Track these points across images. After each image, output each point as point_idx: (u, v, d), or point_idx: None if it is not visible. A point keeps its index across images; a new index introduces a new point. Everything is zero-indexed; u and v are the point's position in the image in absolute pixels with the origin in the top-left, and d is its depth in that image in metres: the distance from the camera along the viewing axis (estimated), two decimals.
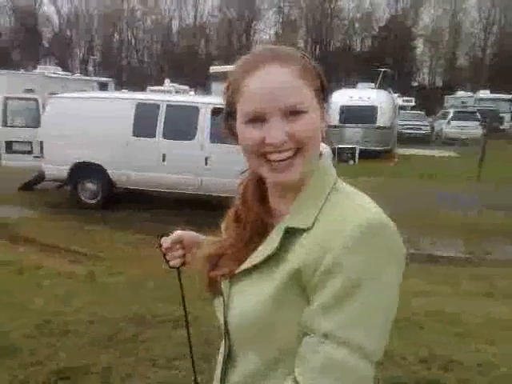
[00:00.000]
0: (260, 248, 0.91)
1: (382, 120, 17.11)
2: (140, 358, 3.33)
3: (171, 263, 1.18)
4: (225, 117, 0.93)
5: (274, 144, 0.83)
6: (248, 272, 0.91)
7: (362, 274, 0.78)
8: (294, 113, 0.83)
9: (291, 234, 0.87)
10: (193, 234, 1.20)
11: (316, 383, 0.77)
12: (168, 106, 8.05)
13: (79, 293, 4.50)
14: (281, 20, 55.22)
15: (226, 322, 0.94)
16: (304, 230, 0.85)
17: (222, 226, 1.04)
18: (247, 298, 0.89)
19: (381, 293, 0.79)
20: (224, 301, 0.94)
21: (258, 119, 0.84)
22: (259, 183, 0.97)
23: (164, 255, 1.18)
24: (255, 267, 0.89)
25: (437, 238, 7.03)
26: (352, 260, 0.78)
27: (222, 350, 0.99)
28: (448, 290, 4.92)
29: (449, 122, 24.06)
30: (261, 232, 0.93)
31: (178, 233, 1.18)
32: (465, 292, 4.84)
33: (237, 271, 0.92)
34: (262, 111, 0.84)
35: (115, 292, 4.53)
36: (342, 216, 0.83)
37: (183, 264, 1.18)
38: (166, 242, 1.17)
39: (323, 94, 0.90)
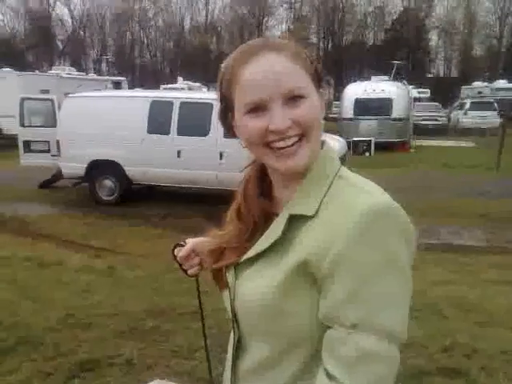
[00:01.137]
0: (265, 235, 0.90)
1: (397, 112, 16.95)
2: (161, 350, 3.36)
3: (189, 272, 1.16)
4: (221, 112, 0.92)
5: (278, 131, 0.82)
6: (253, 260, 0.90)
7: (373, 259, 0.76)
8: (294, 97, 0.82)
9: (295, 221, 0.86)
10: (205, 240, 1.15)
11: (354, 375, 0.76)
12: (182, 103, 8.09)
13: (100, 287, 4.55)
14: (292, 16, 55.01)
15: (233, 312, 0.93)
16: (308, 218, 0.84)
17: (226, 220, 1.03)
18: (254, 286, 0.88)
19: (396, 276, 0.78)
20: (230, 291, 0.93)
21: (258, 108, 0.83)
22: (262, 176, 0.96)
23: (180, 265, 1.17)
24: (260, 255, 0.88)
25: (456, 227, 6.94)
26: (362, 247, 0.77)
27: (231, 339, 0.98)
28: (469, 278, 4.86)
29: (466, 113, 23.76)
30: (265, 224, 0.92)
31: (191, 242, 1.16)
32: (486, 280, 4.77)
33: (241, 259, 0.92)
34: (262, 99, 0.82)
35: (135, 285, 4.57)
36: (347, 202, 0.81)
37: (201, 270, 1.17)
38: (180, 252, 1.16)
39: (319, 80, 0.88)
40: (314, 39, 52.29)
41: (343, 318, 0.77)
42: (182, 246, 1.16)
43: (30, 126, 9.49)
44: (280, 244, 0.86)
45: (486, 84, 31.19)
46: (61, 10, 55.69)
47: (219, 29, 55.38)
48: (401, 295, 0.78)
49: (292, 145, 0.83)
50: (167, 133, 8.02)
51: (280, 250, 0.86)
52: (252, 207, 0.95)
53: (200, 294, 1.19)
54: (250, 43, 0.88)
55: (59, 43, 55.48)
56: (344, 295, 0.77)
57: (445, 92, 36.83)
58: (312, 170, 0.87)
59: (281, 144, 0.83)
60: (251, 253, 0.90)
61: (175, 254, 1.17)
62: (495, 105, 23.44)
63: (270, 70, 0.82)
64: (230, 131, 0.92)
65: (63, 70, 21.16)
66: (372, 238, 0.77)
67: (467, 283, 4.68)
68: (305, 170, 0.87)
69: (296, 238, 0.85)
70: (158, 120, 8.09)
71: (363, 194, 0.82)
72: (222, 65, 0.89)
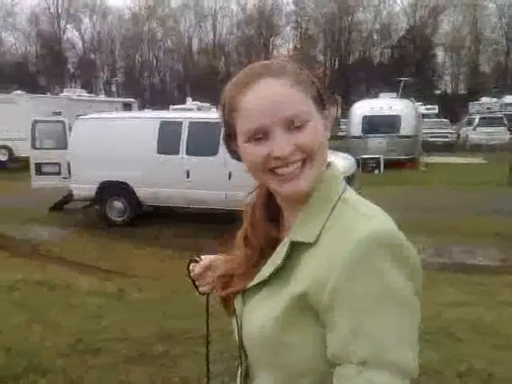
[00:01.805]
0: (269, 262, 0.88)
1: (405, 129, 16.93)
2: (171, 375, 3.31)
3: (201, 289, 1.14)
4: (225, 138, 0.91)
5: (281, 156, 0.81)
6: (257, 288, 0.88)
7: (373, 291, 0.73)
8: (296, 123, 0.81)
9: (297, 247, 0.84)
10: (221, 257, 1.14)
11: None
12: (190, 123, 8.15)
13: (109, 310, 4.52)
14: (299, 35, 55.61)
15: (241, 341, 0.91)
16: (309, 245, 0.82)
17: (234, 245, 1.02)
18: (257, 316, 0.86)
19: (399, 307, 0.74)
20: (237, 319, 0.91)
21: (260, 135, 0.82)
22: (270, 200, 0.94)
23: (193, 281, 1.15)
24: (264, 282, 0.87)
25: (469, 246, 6.84)
26: (359, 278, 0.74)
27: (239, 368, 0.96)
28: (484, 299, 4.76)
29: (474, 129, 23.67)
30: (273, 247, 0.91)
31: (207, 258, 1.14)
32: (502, 302, 4.67)
33: (247, 286, 0.90)
34: (263, 126, 0.81)
35: (144, 309, 4.54)
36: (345, 228, 0.79)
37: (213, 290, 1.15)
38: (196, 268, 1.14)
39: (321, 102, 0.87)
40: (320, 58, 52.78)
41: (351, 355, 0.74)
42: (197, 261, 1.15)
43: (42, 149, 9.60)
44: (282, 272, 0.84)
45: (494, 99, 31.14)
46: (72, 34, 56.85)
47: (227, 49, 56.10)
48: (407, 327, 0.74)
49: (295, 169, 0.82)
50: (176, 153, 8.07)
51: (282, 279, 0.84)
52: (258, 233, 0.94)
53: (208, 313, 1.15)
54: (249, 69, 0.87)
55: (70, 66, 56.47)
56: (347, 331, 0.74)
57: (453, 108, 36.84)
58: (316, 192, 0.86)
59: (284, 170, 0.82)
60: (255, 280, 0.88)
61: (190, 269, 1.15)
62: (504, 120, 23.34)
63: (268, 97, 0.81)
64: (234, 155, 0.92)
65: (74, 93, 21.43)
66: (370, 267, 0.74)
67: (482, 305, 4.58)
68: (306, 194, 0.85)
69: (297, 266, 0.83)
70: (167, 140, 8.15)
71: (362, 219, 0.79)
72: (223, 92, 0.89)
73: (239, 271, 0.94)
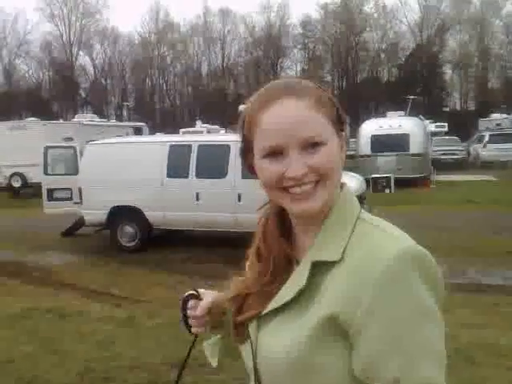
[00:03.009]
0: (287, 285, 0.87)
1: (415, 147, 16.88)
2: None
3: (193, 330, 1.07)
4: (242, 152, 0.93)
5: (294, 178, 0.82)
6: (277, 312, 0.87)
7: (407, 308, 0.75)
8: (312, 145, 0.82)
9: (319, 268, 0.83)
10: (220, 298, 1.06)
11: None
12: (199, 146, 8.20)
13: (120, 337, 4.50)
14: (306, 56, 56.18)
15: (256, 367, 0.89)
16: (332, 264, 0.82)
17: (246, 265, 1.01)
18: (279, 341, 0.84)
19: (431, 323, 0.76)
20: (252, 344, 0.89)
21: (276, 153, 0.83)
22: (281, 217, 0.94)
23: (186, 318, 1.07)
24: (284, 306, 0.86)
25: (483, 266, 6.73)
26: (393, 296, 0.75)
27: None
28: (499, 320, 4.67)
29: (485, 146, 23.50)
30: (285, 268, 0.90)
31: (208, 301, 1.06)
32: None
33: (265, 311, 0.88)
34: (279, 145, 0.83)
35: (155, 335, 4.51)
36: (373, 247, 0.80)
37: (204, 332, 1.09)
38: (197, 311, 1.05)
39: (340, 123, 0.88)
40: (328, 78, 53.14)
41: (384, 372, 0.74)
42: (197, 296, 1.07)
43: (53, 174, 9.71)
44: (305, 294, 0.83)
45: (504, 116, 30.98)
46: (83, 60, 58.04)
47: (235, 72, 56.80)
48: (437, 342, 0.76)
49: (308, 189, 0.83)
50: (186, 176, 8.10)
51: (305, 301, 0.83)
52: (272, 248, 0.93)
53: (190, 353, 1.08)
54: (271, 86, 0.88)
55: (82, 92, 57.49)
56: (382, 348, 0.75)
57: (462, 125, 36.67)
58: (332, 213, 0.86)
59: (297, 190, 0.83)
60: (275, 304, 0.87)
61: (188, 306, 1.07)
62: None
63: (288, 117, 0.82)
64: (250, 170, 0.92)
65: (85, 118, 21.73)
66: (403, 286, 0.75)
67: (498, 326, 4.49)
68: (322, 214, 0.86)
69: (321, 287, 0.82)
70: (176, 164, 8.19)
71: (390, 238, 0.81)
72: (244, 106, 0.91)
73: (253, 290, 0.93)
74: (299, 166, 0.82)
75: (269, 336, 0.87)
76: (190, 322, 1.07)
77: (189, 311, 1.07)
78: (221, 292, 1.07)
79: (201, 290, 1.10)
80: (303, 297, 0.83)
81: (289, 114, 0.82)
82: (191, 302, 1.07)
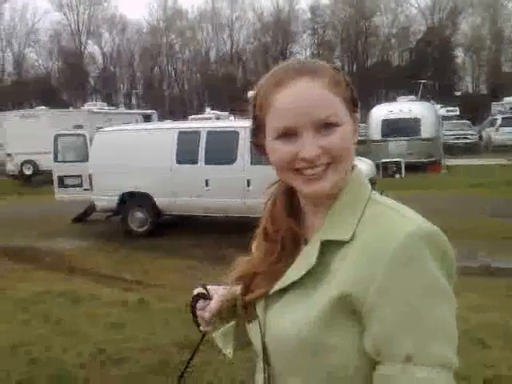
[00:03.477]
0: (295, 264, 0.87)
1: (425, 131, 16.72)
2: None
3: (202, 328, 1.08)
4: (253, 131, 0.91)
5: (308, 159, 0.81)
6: (285, 290, 0.86)
7: (420, 286, 0.74)
8: (326, 126, 0.81)
9: (328, 247, 0.83)
10: (231, 292, 1.05)
11: None
12: (208, 132, 8.19)
13: (132, 320, 4.55)
14: (316, 41, 55.61)
15: (264, 347, 0.89)
16: (343, 244, 0.81)
17: (253, 246, 1.00)
18: (289, 319, 0.83)
19: (443, 300, 0.76)
20: (260, 323, 0.89)
21: (289, 134, 0.82)
22: (290, 197, 0.94)
23: (195, 316, 1.08)
24: (292, 285, 0.85)
25: (494, 249, 6.69)
26: (406, 275, 0.75)
27: (258, 376, 0.93)
28: (509, 303, 4.65)
29: (497, 129, 23.22)
30: (293, 248, 0.90)
31: (216, 304, 1.05)
32: None
33: (273, 290, 0.88)
34: (294, 126, 0.82)
35: (166, 318, 4.55)
36: (385, 227, 0.79)
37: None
38: (206, 315, 1.05)
39: (354, 105, 0.87)
40: (338, 63, 52.63)
41: (397, 349, 0.74)
42: (205, 296, 1.07)
43: (64, 162, 9.78)
44: (314, 273, 0.83)
45: None
46: (92, 48, 58.03)
47: (244, 58, 56.44)
48: (450, 320, 0.76)
49: (320, 170, 0.82)
50: (195, 162, 8.12)
51: (314, 280, 0.83)
52: (280, 226, 0.92)
53: (197, 350, 1.09)
54: (285, 66, 0.86)
55: (91, 80, 57.59)
56: (394, 326, 0.74)
57: (474, 109, 36.22)
58: (343, 194, 0.86)
59: (309, 172, 0.82)
60: (283, 283, 0.86)
61: (198, 306, 1.08)
62: None
63: (302, 97, 0.81)
64: (260, 151, 0.91)
65: (95, 106, 21.81)
66: (415, 264, 0.75)
67: (509, 309, 4.47)
68: (332, 195, 0.85)
69: (331, 267, 0.82)
70: (186, 150, 8.21)
71: (403, 218, 0.80)
72: (257, 86, 0.89)
73: (260, 269, 0.92)
74: (313, 147, 0.81)
75: (278, 314, 0.86)
76: (199, 321, 1.08)
77: (198, 312, 1.08)
78: (228, 283, 1.05)
79: (210, 287, 1.10)
80: (312, 276, 0.83)
81: (303, 94, 0.81)
82: (200, 302, 1.07)
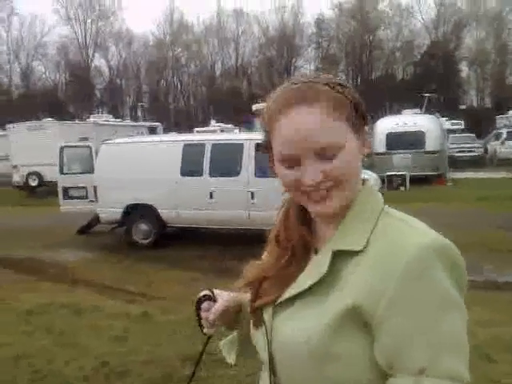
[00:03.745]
0: (306, 272, 0.87)
1: (430, 144, 16.71)
2: None
3: (205, 331, 1.07)
4: (264, 148, 0.93)
5: (310, 185, 0.83)
6: (294, 298, 0.86)
7: (432, 299, 0.74)
8: (328, 151, 0.82)
9: (339, 257, 0.83)
10: (237, 299, 1.06)
11: None
12: (213, 145, 8.22)
13: (135, 333, 4.53)
14: (320, 55, 55.92)
15: (270, 355, 0.88)
16: (354, 254, 0.81)
17: (264, 252, 1.01)
18: (298, 326, 0.83)
19: (455, 313, 0.76)
20: (267, 331, 0.89)
21: (292, 161, 0.84)
22: (303, 206, 0.94)
23: (199, 319, 1.07)
24: (302, 293, 0.85)
25: (500, 264, 6.63)
26: (418, 287, 0.75)
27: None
28: None
29: (503, 143, 23.18)
30: (303, 256, 0.90)
31: (221, 307, 1.04)
32: None
33: (283, 297, 0.88)
34: (294, 155, 0.83)
35: (169, 331, 4.53)
36: (398, 240, 0.79)
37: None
38: (210, 316, 1.04)
39: (361, 120, 0.87)
40: (342, 77, 52.86)
41: (409, 362, 0.74)
42: (210, 298, 1.07)
43: (69, 173, 9.82)
44: (325, 282, 0.83)
45: None
46: (99, 62, 58.57)
47: (249, 71, 56.79)
48: (462, 333, 0.76)
49: (325, 192, 0.84)
50: (200, 174, 8.14)
51: (324, 289, 0.83)
52: (292, 234, 0.93)
53: (203, 353, 1.09)
54: (287, 91, 0.86)
55: (98, 92, 58.05)
56: (406, 339, 0.74)
57: (479, 123, 36.17)
58: (355, 206, 0.86)
59: (313, 194, 0.84)
60: (293, 290, 0.86)
61: (202, 308, 1.07)
62: None
63: (302, 126, 0.82)
64: (272, 164, 0.93)
65: (100, 118, 21.97)
66: (427, 277, 0.75)
67: None
68: (340, 213, 0.86)
69: (342, 277, 0.82)
70: (190, 162, 8.24)
71: (416, 231, 0.81)
72: (265, 104, 0.90)
73: (269, 273, 0.93)
74: (314, 173, 0.82)
75: (286, 321, 0.86)
76: (203, 322, 1.07)
77: (202, 313, 1.07)
78: (234, 291, 1.06)
79: (216, 291, 1.09)
80: (323, 285, 0.83)
81: (302, 124, 0.82)
82: (205, 304, 1.07)
